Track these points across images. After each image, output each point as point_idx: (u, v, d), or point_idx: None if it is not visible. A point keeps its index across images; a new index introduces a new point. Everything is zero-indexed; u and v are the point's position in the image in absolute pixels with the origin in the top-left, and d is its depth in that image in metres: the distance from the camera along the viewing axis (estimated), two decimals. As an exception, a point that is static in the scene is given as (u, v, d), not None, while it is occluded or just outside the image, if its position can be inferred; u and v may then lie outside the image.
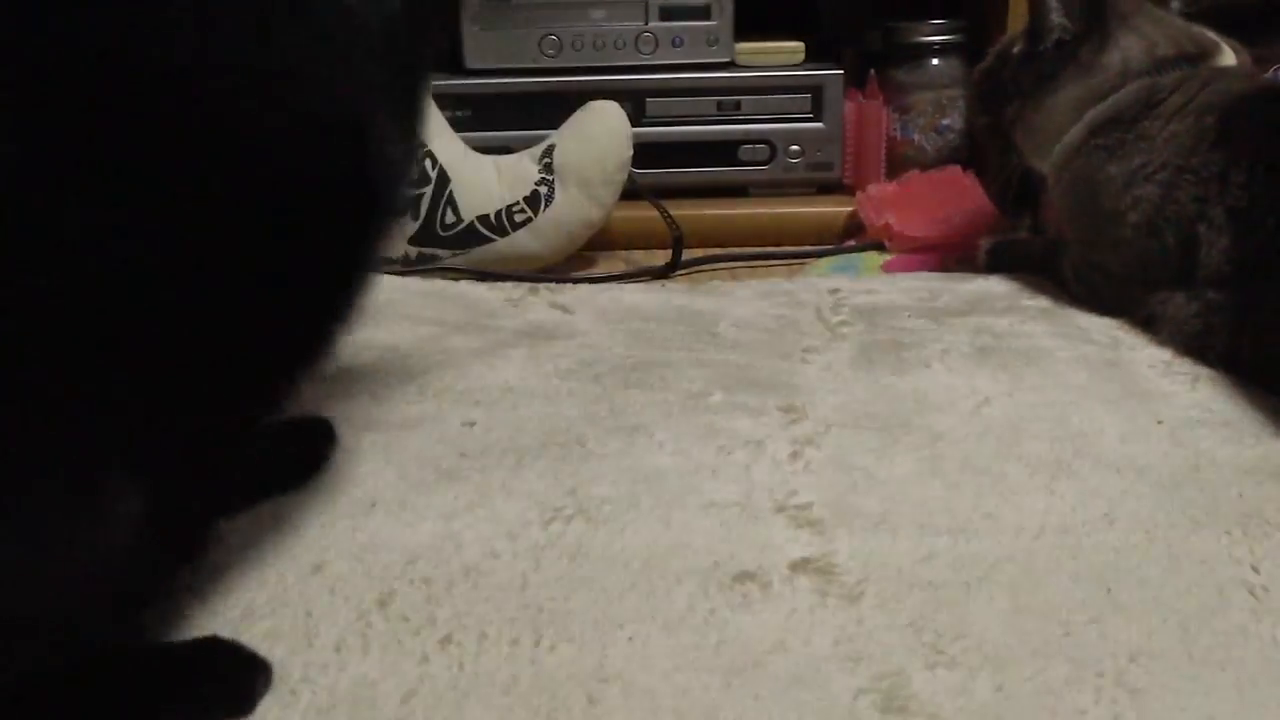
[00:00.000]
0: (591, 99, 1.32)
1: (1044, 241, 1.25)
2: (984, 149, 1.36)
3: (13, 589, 0.46)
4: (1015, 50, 1.19)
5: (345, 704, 0.55)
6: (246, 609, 0.62)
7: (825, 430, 0.84)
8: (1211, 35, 1.15)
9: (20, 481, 0.44)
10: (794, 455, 0.80)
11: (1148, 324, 1.04)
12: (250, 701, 0.55)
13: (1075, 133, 1.12)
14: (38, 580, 0.47)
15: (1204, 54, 1.12)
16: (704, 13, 1.44)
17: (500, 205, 1.26)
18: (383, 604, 0.62)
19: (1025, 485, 0.76)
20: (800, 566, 0.66)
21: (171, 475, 0.52)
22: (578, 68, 1.43)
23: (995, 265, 1.24)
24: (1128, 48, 1.12)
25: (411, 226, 1.25)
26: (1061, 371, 0.95)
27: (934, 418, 0.86)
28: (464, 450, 0.81)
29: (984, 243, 1.26)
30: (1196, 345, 0.98)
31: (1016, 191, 1.31)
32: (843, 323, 1.08)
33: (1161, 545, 0.69)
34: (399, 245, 1.25)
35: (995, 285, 1.19)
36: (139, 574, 0.54)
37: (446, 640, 0.59)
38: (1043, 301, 1.14)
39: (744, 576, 0.65)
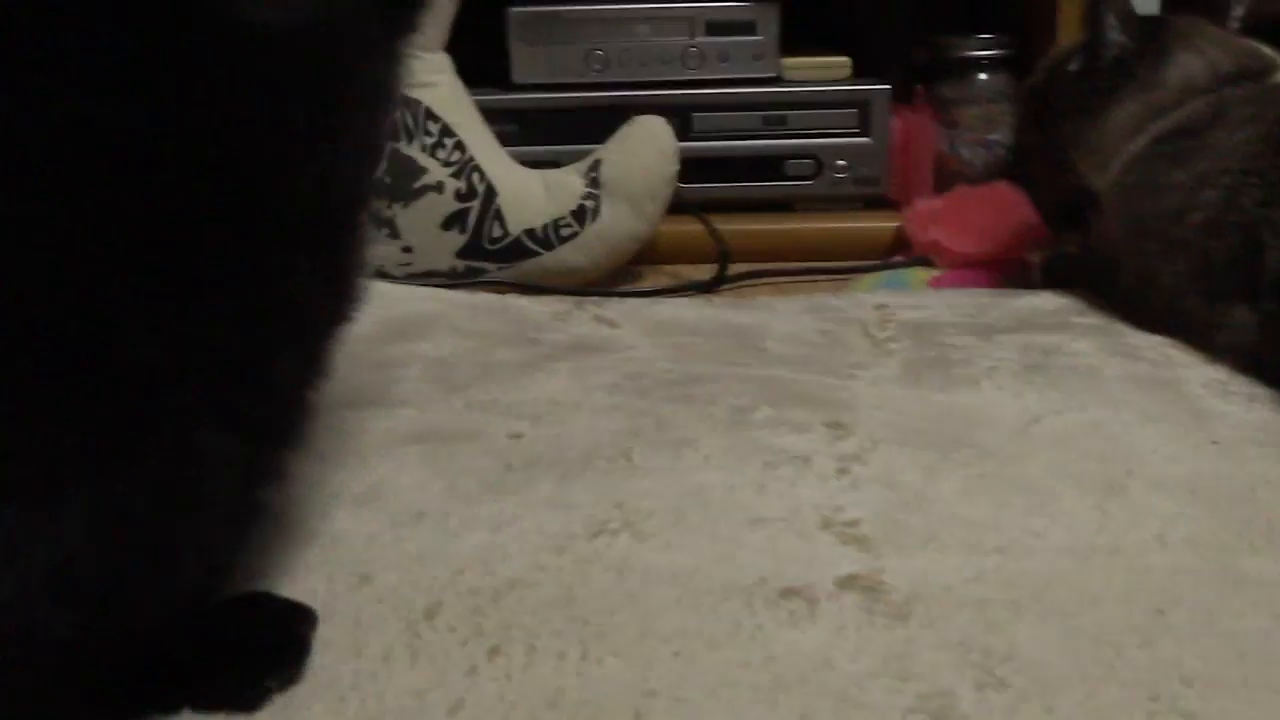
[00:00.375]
0: (638, 114, 1.32)
1: (1098, 257, 1.24)
2: (1033, 165, 1.35)
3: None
4: (1070, 67, 1.18)
5: (393, 713, 0.55)
6: (296, 618, 0.62)
7: (872, 447, 0.84)
8: (1269, 51, 1.14)
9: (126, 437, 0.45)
10: (841, 471, 0.80)
11: (1203, 339, 1.02)
12: (305, 649, 0.57)
13: (1137, 144, 1.11)
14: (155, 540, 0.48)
15: (1266, 69, 1.11)
16: (750, 28, 1.44)
17: (546, 219, 1.26)
18: (430, 615, 0.63)
19: (1075, 505, 0.75)
20: (847, 583, 0.66)
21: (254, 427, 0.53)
22: (624, 82, 1.43)
23: (1050, 280, 1.23)
24: (1188, 64, 1.11)
25: (458, 240, 1.26)
26: (1112, 390, 0.94)
27: (982, 435, 0.85)
28: (510, 463, 0.81)
29: (1038, 258, 1.25)
30: (1253, 360, 0.96)
31: (1066, 208, 1.30)
32: (889, 339, 1.08)
33: (1216, 568, 0.67)
34: (446, 258, 1.26)
35: (1044, 302, 1.18)
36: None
37: (494, 652, 0.60)
38: (1093, 319, 1.12)
39: (790, 593, 0.65)
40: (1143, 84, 1.12)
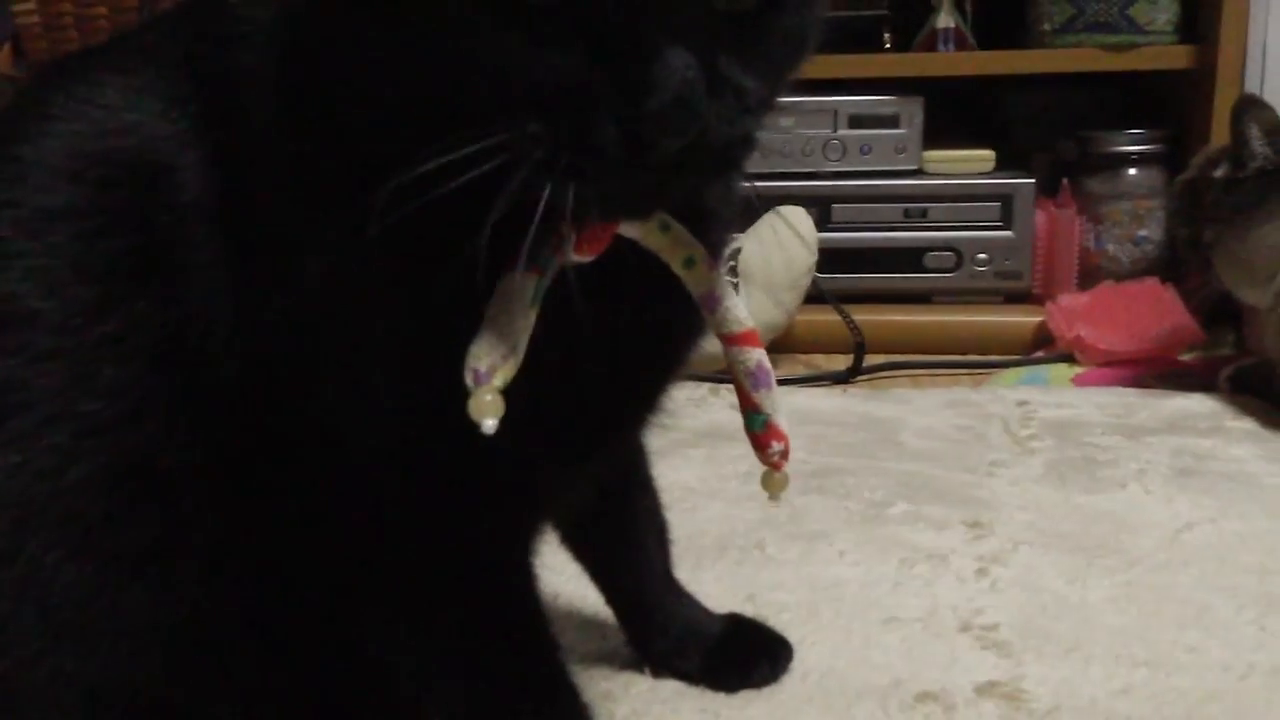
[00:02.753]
0: (779, 204, 1.34)
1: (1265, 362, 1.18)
2: (1186, 261, 1.31)
3: None
4: (1217, 174, 1.16)
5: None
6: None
7: (1013, 548, 0.81)
8: None
9: None
10: (980, 573, 0.78)
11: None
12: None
13: None
14: None
15: None
16: (893, 121, 1.45)
17: (684, 306, 1.28)
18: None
19: (1232, 619, 0.71)
20: (986, 690, 0.64)
21: None
22: (765, 173, 1.45)
23: (1240, 390, 1.17)
24: None
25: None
26: (1272, 499, 0.90)
27: (1130, 541, 0.82)
28: (644, 548, 0.81)
29: (1226, 369, 1.19)
30: None
31: (1217, 308, 1.25)
32: (1031, 436, 1.05)
33: (1388, 695, 0.63)
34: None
35: (1196, 404, 1.14)
36: None
37: (623, 739, 0.60)
38: (1249, 423, 1.08)
39: (926, 697, 0.63)
40: None
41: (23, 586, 0.46)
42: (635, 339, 0.46)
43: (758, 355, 0.47)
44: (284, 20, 0.44)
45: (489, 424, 0.38)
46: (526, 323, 0.40)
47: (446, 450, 0.45)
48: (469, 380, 0.39)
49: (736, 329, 0.47)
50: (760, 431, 0.47)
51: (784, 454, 0.47)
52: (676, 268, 0.45)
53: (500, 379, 0.39)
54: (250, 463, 0.46)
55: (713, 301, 0.46)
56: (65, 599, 0.46)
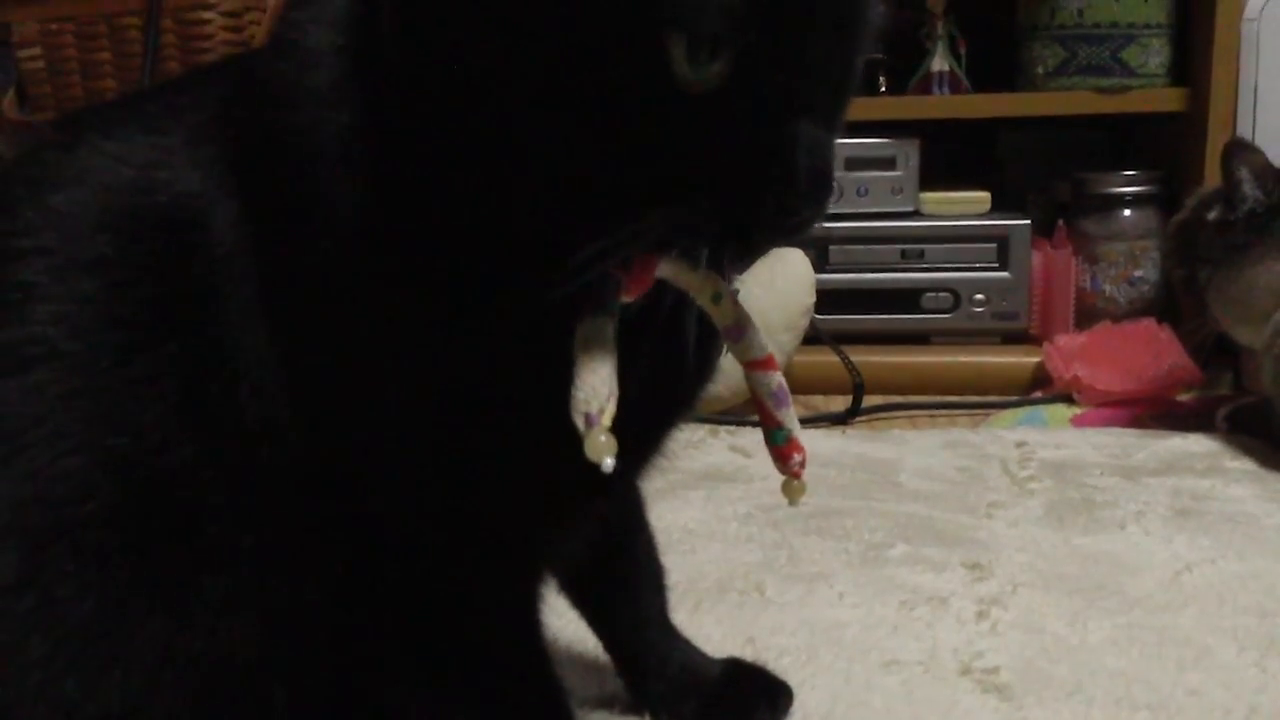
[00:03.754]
0: (776, 246, 1.34)
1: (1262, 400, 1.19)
2: (1182, 301, 1.32)
3: None
4: (1210, 216, 1.17)
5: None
6: None
7: (1013, 590, 0.81)
8: None
9: None
10: (980, 615, 0.78)
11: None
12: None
13: None
14: None
15: None
16: (889, 163, 1.46)
17: (683, 347, 1.28)
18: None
19: (1233, 661, 0.71)
20: (988, 734, 0.64)
21: None
22: (763, 215, 1.45)
23: (1238, 429, 1.17)
24: None
25: (597, 366, 1.28)
26: (1271, 539, 0.90)
27: (1130, 582, 0.82)
28: (643, 591, 0.81)
29: (1224, 409, 1.20)
30: None
31: (1214, 347, 1.26)
32: (1030, 478, 1.05)
33: (1391, 738, 0.63)
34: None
35: (1193, 444, 1.14)
36: None
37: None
38: (1248, 464, 1.08)
39: (927, 741, 0.63)
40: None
41: (32, 617, 0.46)
42: (644, 384, 0.47)
43: (778, 378, 0.49)
44: (362, 91, 0.45)
45: (609, 463, 0.40)
46: (615, 363, 0.43)
47: (458, 497, 0.47)
48: (580, 424, 0.41)
49: (760, 355, 0.49)
50: (783, 445, 0.49)
51: (802, 463, 0.50)
52: (705, 303, 0.47)
53: (608, 418, 0.41)
54: (267, 503, 0.48)
55: (738, 332, 0.48)
56: (76, 630, 0.47)
